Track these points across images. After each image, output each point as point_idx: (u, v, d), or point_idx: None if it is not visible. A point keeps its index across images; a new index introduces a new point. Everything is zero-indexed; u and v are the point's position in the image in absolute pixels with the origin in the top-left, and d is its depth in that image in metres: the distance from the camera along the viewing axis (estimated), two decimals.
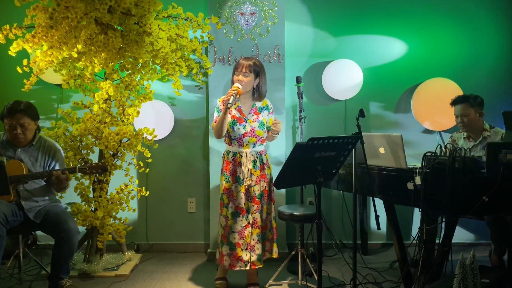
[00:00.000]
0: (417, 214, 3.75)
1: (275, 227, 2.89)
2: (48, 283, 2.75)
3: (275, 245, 2.89)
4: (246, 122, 2.76)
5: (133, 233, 3.70)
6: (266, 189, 2.81)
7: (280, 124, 2.77)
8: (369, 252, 3.64)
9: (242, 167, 2.72)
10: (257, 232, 2.76)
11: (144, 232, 3.76)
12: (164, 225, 3.75)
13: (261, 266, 2.78)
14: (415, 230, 3.66)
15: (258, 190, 2.76)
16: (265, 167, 2.81)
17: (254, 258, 2.74)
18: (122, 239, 3.37)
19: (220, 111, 2.73)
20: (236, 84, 2.68)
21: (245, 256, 2.74)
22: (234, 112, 2.76)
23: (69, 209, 3.24)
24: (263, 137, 2.80)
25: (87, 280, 3.05)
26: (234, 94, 2.59)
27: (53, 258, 2.71)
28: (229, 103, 2.58)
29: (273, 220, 2.87)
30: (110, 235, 3.27)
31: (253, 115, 2.79)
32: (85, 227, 3.20)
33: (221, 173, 2.82)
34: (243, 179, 2.73)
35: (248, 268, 2.75)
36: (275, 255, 2.89)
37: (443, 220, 2.39)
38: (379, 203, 2.66)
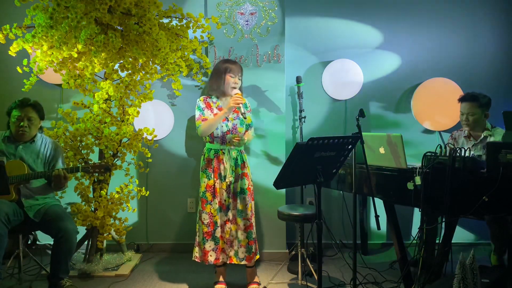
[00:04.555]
0: (417, 214, 3.75)
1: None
2: (48, 283, 2.75)
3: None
4: (228, 120, 2.83)
5: (133, 233, 3.70)
6: (250, 187, 2.86)
7: (241, 140, 2.83)
8: (369, 252, 3.64)
9: (224, 164, 2.78)
10: (235, 229, 2.82)
11: (144, 232, 3.76)
12: (164, 225, 3.75)
13: (237, 262, 2.80)
14: (415, 230, 3.66)
15: (237, 187, 2.82)
16: (246, 165, 2.88)
17: (232, 253, 2.82)
18: (122, 239, 3.37)
19: (203, 110, 2.83)
20: (237, 90, 2.82)
21: (227, 249, 2.83)
22: (215, 111, 2.84)
23: (69, 209, 3.24)
24: (242, 134, 2.88)
25: (87, 280, 3.05)
26: (243, 103, 2.78)
27: (52, 258, 2.72)
28: (243, 114, 2.77)
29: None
30: (110, 235, 3.27)
31: (233, 113, 2.86)
32: (85, 227, 3.20)
33: (201, 171, 2.86)
34: (225, 176, 2.78)
35: (228, 261, 2.82)
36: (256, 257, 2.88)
37: (443, 220, 2.39)
38: (379, 203, 2.66)
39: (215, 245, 2.80)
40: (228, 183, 2.80)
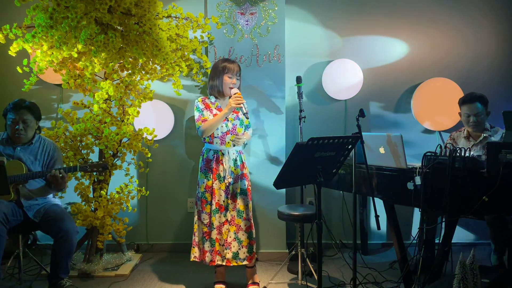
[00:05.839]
0: (417, 214, 3.75)
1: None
2: (48, 283, 2.75)
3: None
4: (228, 120, 2.83)
5: (133, 233, 3.70)
6: (249, 187, 2.86)
7: (241, 139, 2.84)
8: (369, 252, 3.64)
9: (224, 165, 2.78)
10: (234, 230, 2.80)
11: (144, 232, 3.76)
12: (164, 225, 3.75)
13: (236, 264, 2.79)
14: (415, 230, 3.66)
15: (237, 188, 2.81)
16: (245, 165, 2.89)
17: (229, 255, 2.78)
18: (122, 239, 3.37)
19: (202, 110, 2.82)
20: (236, 90, 2.79)
21: (222, 251, 2.80)
22: (215, 111, 2.83)
23: (69, 209, 3.24)
24: (242, 134, 2.88)
25: (87, 280, 3.05)
26: (243, 103, 2.75)
27: (52, 258, 2.72)
28: (245, 113, 2.74)
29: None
30: (110, 235, 3.27)
31: (232, 114, 2.86)
32: (85, 227, 3.20)
33: (200, 171, 2.85)
34: (224, 176, 2.78)
35: (224, 263, 2.79)
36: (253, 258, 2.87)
37: (443, 220, 2.39)
38: (379, 203, 2.66)
39: (211, 246, 2.79)
40: (227, 184, 2.80)
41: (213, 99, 2.89)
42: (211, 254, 2.79)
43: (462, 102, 3.07)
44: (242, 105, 2.73)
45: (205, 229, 2.80)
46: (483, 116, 3.00)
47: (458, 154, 2.24)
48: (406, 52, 3.78)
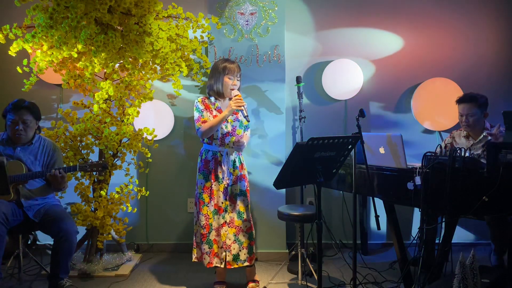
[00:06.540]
0: (417, 214, 3.75)
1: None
2: (48, 283, 2.75)
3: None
4: (227, 121, 2.81)
5: (133, 233, 3.70)
6: (248, 188, 2.86)
7: (242, 144, 2.81)
8: (369, 252, 3.64)
9: (223, 166, 2.77)
10: (234, 232, 2.79)
11: (144, 232, 3.76)
12: (164, 225, 3.75)
13: (237, 266, 2.78)
14: (415, 230, 3.66)
15: (236, 189, 2.80)
16: (244, 167, 2.87)
17: (229, 258, 2.78)
18: (122, 239, 3.37)
19: (202, 111, 2.80)
20: (237, 92, 2.77)
21: (221, 253, 2.78)
22: (214, 112, 2.82)
23: (69, 209, 3.24)
24: (241, 136, 2.86)
25: (87, 280, 3.05)
26: (244, 105, 2.72)
27: (52, 258, 2.72)
28: (246, 116, 2.70)
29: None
30: (110, 235, 3.27)
31: (232, 115, 2.84)
32: (85, 227, 3.20)
33: (198, 172, 2.84)
34: (223, 178, 2.77)
35: (223, 266, 2.78)
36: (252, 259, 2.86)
37: (443, 220, 2.39)
38: (379, 203, 2.66)
39: (209, 248, 2.77)
40: (226, 185, 2.79)
41: (213, 99, 2.87)
42: (208, 256, 2.78)
43: (457, 101, 3.09)
44: (242, 107, 2.70)
45: (202, 231, 2.79)
46: (476, 117, 2.99)
47: (458, 154, 2.24)
48: (405, 52, 3.77)
